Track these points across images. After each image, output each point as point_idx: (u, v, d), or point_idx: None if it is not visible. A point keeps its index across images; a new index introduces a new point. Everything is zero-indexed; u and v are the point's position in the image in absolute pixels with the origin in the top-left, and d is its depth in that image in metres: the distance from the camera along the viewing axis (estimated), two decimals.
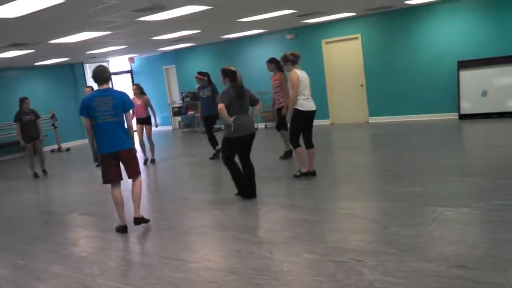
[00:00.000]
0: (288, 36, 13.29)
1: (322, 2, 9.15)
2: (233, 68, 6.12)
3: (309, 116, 6.91)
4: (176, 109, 16.07)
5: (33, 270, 4.65)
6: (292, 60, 6.87)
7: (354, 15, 11.84)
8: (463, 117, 10.77)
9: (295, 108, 6.77)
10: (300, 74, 6.81)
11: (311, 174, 7.03)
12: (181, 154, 11.73)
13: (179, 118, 16.32)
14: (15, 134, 13.03)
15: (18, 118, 9.93)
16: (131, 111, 5.50)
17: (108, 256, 4.81)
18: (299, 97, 6.73)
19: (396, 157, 7.84)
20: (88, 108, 5.24)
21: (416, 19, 11.31)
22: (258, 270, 3.94)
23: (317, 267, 3.86)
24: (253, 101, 6.22)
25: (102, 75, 5.31)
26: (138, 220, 5.48)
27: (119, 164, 5.42)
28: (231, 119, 5.87)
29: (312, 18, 11.38)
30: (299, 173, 7.04)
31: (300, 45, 13.07)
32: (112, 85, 15.11)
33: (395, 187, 5.99)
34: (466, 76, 10.71)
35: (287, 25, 12.33)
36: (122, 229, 5.47)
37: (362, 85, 12.33)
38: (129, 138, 5.42)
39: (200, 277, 3.96)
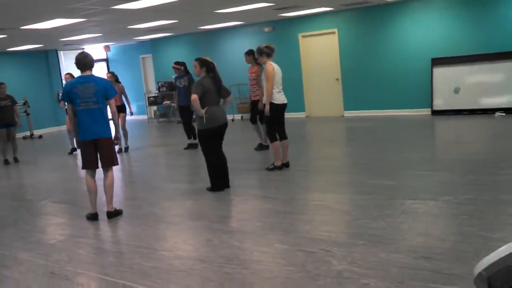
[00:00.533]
0: (266, 29, 13.29)
1: None
2: (209, 59, 6.11)
3: (282, 109, 6.98)
4: (152, 98, 15.94)
5: (1, 257, 4.57)
6: (267, 52, 6.90)
7: (331, 10, 11.89)
8: (435, 113, 10.95)
9: (270, 102, 6.78)
10: (275, 66, 6.83)
11: (285, 165, 7.07)
12: (155, 143, 11.65)
13: (154, 108, 16.20)
14: None
15: None
16: (113, 98, 5.43)
17: (77, 243, 4.76)
18: (273, 90, 6.75)
19: (369, 150, 7.93)
20: (69, 94, 5.19)
21: (392, 15, 11.43)
22: (228, 259, 3.95)
23: (287, 257, 3.89)
24: (225, 93, 6.19)
25: (84, 61, 5.25)
26: (111, 214, 5.45)
27: (96, 152, 5.36)
28: (203, 110, 5.85)
29: (290, 11, 11.39)
30: (272, 166, 7.07)
31: (277, 38, 13.09)
32: None
33: (367, 179, 6.07)
34: (440, 73, 10.88)
35: (264, 17, 12.32)
36: (93, 217, 5.43)
37: (337, 79, 12.42)
38: (109, 127, 5.36)
39: (170, 266, 3.95)
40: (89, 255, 4.47)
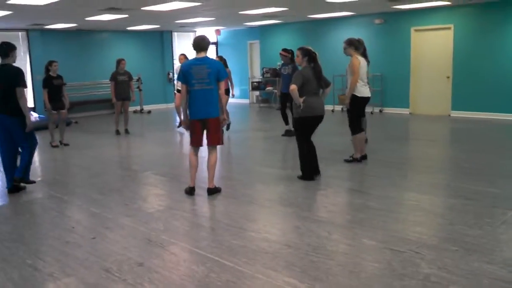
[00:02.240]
0: (376, 21, 12.95)
1: None
2: (311, 49, 6.12)
3: (364, 102, 7.00)
4: (255, 83, 16.24)
5: (104, 219, 4.97)
6: (355, 45, 6.94)
7: (448, 4, 11.31)
8: None
9: (353, 94, 6.79)
10: (361, 60, 6.86)
11: (363, 158, 7.09)
12: (255, 128, 11.90)
13: (257, 93, 16.49)
14: (105, 92, 13.92)
15: (113, 77, 10.54)
16: (224, 80, 5.64)
17: (173, 215, 5.04)
18: (357, 84, 6.78)
19: (473, 154, 7.52)
20: (185, 74, 5.45)
21: None
22: (314, 248, 3.99)
23: (374, 253, 3.85)
24: (325, 84, 6.18)
25: (201, 44, 5.49)
26: (212, 191, 5.69)
27: (203, 131, 5.61)
28: (301, 100, 5.89)
29: (403, 4, 11.01)
30: (351, 158, 7.08)
31: (388, 31, 12.75)
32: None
33: (468, 184, 5.77)
34: None
35: (376, 9, 12.01)
36: (191, 191, 5.71)
37: (448, 77, 11.83)
38: (217, 107, 5.58)
39: (257, 247, 4.07)
40: (183, 227, 4.72)
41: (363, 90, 6.87)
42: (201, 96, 5.46)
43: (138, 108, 15.33)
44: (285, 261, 3.74)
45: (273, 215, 5.02)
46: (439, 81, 12.00)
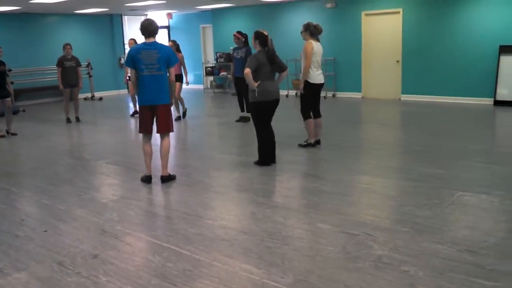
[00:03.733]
0: (328, 5, 13.05)
1: None
2: (265, 32, 6.10)
3: (318, 88, 7.04)
4: (209, 68, 16.11)
5: (56, 211, 4.84)
6: (311, 31, 6.89)
7: None
8: (498, 103, 10.51)
9: (305, 80, 6.83)
10: (315, 45, 6.85)
11: (316, 142, 7.20)
12: (209, 113, 11.83)
13: (211, 78, 16.37)
14: (53, 78, 13.46)
15: (60, 63, 10.18)
16: (174, 66, 5.55)
17: (128, 204, 4.97)
18: (310, 70, 6.82)
19: (423, 137, 7.74)
20: (133, 59, 5.33)
21: None
22: (270, 233, 4.03)
23: (329, 237, 3.92)
24: (281, 68, 6.19)
25: (149, 28, 5.37)
26: (165, 179, 5.63)
27: (153, 117, 5.52)
28: (256, 84, 5.88)
29: None
30: (305, 143, 7.18)
31: (339, 15, 12.88)
32: None
33: (418, 166, 5.95)
34: (507, 61, 10.39)
35: None
36: (147, 179, 5.64)
37: (397, 61, 12.10)
38: (167, 93, 5.50)
39: (214, 234, 4.07)
40: (138, 216, 4.66)
41: (316, 77, 6.92)
42: (151, 82, 5.37)
43: (89, 95, 14.94)
44: (241, 248, 3.76)
45: (229, 201, 5.03)
46: (389, 65, 12.27)
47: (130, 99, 10.84)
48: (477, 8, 10.77)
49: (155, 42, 5.43)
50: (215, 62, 15.86)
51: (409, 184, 5.29)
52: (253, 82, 5.87)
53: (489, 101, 10.73)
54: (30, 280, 3.38)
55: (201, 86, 16.82)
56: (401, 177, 5.65)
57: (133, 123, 10.33)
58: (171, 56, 5.48)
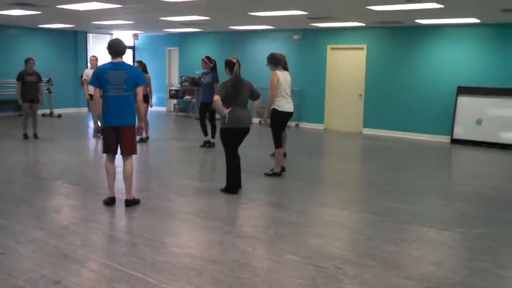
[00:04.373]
0: (295, 37, 13.31)
1: (335, 9, 9.16)
2: (234, 60, 6.11)
3: (286, 116, 7.13)
4: (173, 91, 16.01)
5: (13, 232, 4.62)
6: (273, 62, 7.07)
7: (362, 25, 11.88)
8: (455, 141, 10.88)
9: (273, 108, 6.93)
10: (281, 75, 6.98)
11: (281, 169, 7.23)
12: (172, 137, 11.71)
13: (174, 101, 16.26)
14: (12, 92, 13.06)
15: (20, 77, 9.89)
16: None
17: (90, 228, 4.80)
18: (278, 98, 6.92)
19: (385, 171, 7.90)
20: (100, 79, 5.22)
21: (423, 38, 11.39)
22: (240, 264, 3.96)
23: (298, 269, 3.90)
24: (254, 95, 6.22)
25: (117, 48, 5.30)
26: (129, 202, 5.50)
27: (117, 138, 5.40)
28: (227, 110, 5.87)
29: (321, 22, 11.40)
30: (271, 172, 7.19)
31: (306, 47, 13.13)
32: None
33: (382, 201, 6.04)
34: (464, 102, 10.83)
35: (295, 25, 12.34)
36: (110, 201, 5.49)
37: (360, 95, 12.39)
38: (134, 115, 5.41)
39: (181, 263, 3.97)
40: (102, 241, 4.51)
41: (285, 105, 7.00)
42: (116, 103, 5.27)
43: (47, 111, 14.52)
44: (211, 278, 3.68)
45: (195, 229, 4.94)
46: (352, 98, 12.55)
47: (90, 117, 10.58)
48: (438, 50, 11.22)
49: (123, 62, 5.36)
50: (179, 85, 15.79)
51: (374, 218, 5.35)
52: (223, 109, 5.86)
53: (446, 138, 11.10)
54: None
55: (164, 109, 16.67)
56: (365, 210, 5.71)
57: (93, 142, 10.08)
58: (139, 76, 5.42)
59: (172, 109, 16.45)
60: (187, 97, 15.41)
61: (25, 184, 6.70)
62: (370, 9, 8.89)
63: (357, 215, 5.53)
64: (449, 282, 3.70)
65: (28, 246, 4.29)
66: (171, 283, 3.58)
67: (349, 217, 5.44)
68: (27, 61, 10.05)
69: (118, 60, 5.34)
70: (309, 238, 4.68)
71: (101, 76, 5.24)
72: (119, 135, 5.37)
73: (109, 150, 5.43)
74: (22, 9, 10.09)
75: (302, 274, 3.79)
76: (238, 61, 6.07)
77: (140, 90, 5.43)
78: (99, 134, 9.81)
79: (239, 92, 5.98)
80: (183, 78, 15.51)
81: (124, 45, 5.43)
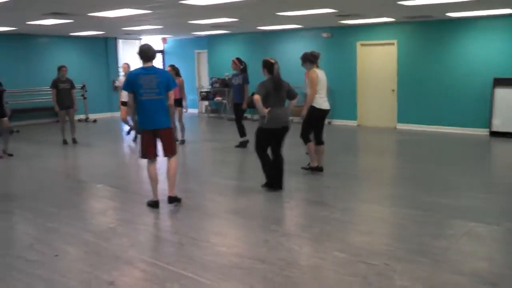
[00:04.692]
0: (324, 35, 13.23)
1: (365, 5, 9.08)
2: (272, 60, 6.14)
3: (323, 114, 7.13)
4: (204, 93, 16.11)
5: (64, 235, 4.73)
6: (310, 59, 7.02)
7: (392, 21, 11.74)
8: (494, 134, 10.65)
9: (311, 105, 6.91)
10: (319, 73, 6.96)
11: (318, 169, 7.19)
12: (206, 138, 11.79)
13: (206, 103, 16.37)
14: (47, 99, 13.36)
15: (54, 84, 10.11)
16: (173, 90, 5.54)
17: (137, 230, 4.88)
18: (316, 96, 6.90)
19: (422, 166, 7.78)
20: (133, 84, 5.30)
21: (455, 31, 11.18)
22: (288, 262, 3.97)
23: (348, 266, 3.88)
24: (291, 95, 6.24)
25: (148, 53, 5.38)
26: (172, 199, 5.57)
27: (156, 141, 5.47)
28: (266, 110, 5.90)
29: (351, 19, 11.31)
30: (308, 166, 7.19)
31: (335, 44, 13.05)
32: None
33: (423, 196, 5.95)
34: (501, 93, 10.57)
35: (324, 23, 12.26)
36: (154, 204, 5.56)
37: (393, 91, 12.25)
38: (169, 117, 5.48)
39: (230, 262, 4.00)
40: (150, 242, 4.58)
41: (323, 103, 6.98)
42: (150, 106, 5.34)
43: (83, 116, 14.80)
44: (261, 277, 3.70)
45: (239, 228, 4.96)
46: (385, 94, 12.41)
47: (123, 122, 10.74)
48: (471, 42, 11.00)
49: (154, 67, 5.44)
50: (210, 87, 15.89)
51: (417, 213, 5.27)
52: (263, 108, 5.88)
53: (484, 131, 10.87)
54: None
55: (196, 111, 16.81)
56: (408, 206, 5.62)
57: (128, 146, 10.23)
58: (170, 80, 5.50)
59: (203, 110, 16.57)
60: (218, 98, 15.49)
61: (69, 187, 6.84)
62: (401, 4, 8.77)
63: (401, 211, 5.46)
64: (503, 277, 3.63)
65: (80, 248, 4.39)
66: (223, 283, 3.61)
67: (393, 213, 5.39)
68: (60, 68, 10.27)
69: (149, 64, 5.42)
70: (355, 235, 4.65)
71: (133, 81, 5.32)
72: (158, 138, 5.45)
73: (147, 154, 5.49)
74: (56, 18, 10.29)
75: (352, 272, 3.77)
76: (276, 62, 6.09)
77: (171, 94, 5.50)
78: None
79: (279, 92, 6.00)
80: (213, 79, 15.60)
81: (154, 50, 5.51)
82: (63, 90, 10.15)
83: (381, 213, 5.37)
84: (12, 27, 12.04)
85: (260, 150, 6.19)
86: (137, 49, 5.51)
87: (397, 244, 4.40)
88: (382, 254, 4.11)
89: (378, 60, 12.50)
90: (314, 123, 7.10)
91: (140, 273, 3.83)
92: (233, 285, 3.57)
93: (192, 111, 16.79)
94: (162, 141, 5.49)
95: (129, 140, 10.65)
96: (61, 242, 4.53)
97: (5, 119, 8.81)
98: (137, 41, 17.06)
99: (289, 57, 13.32)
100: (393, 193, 6.34)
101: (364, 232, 4.74)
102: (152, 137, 5.44)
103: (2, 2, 7.73)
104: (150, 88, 5.30)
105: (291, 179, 6.74)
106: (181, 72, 10.30)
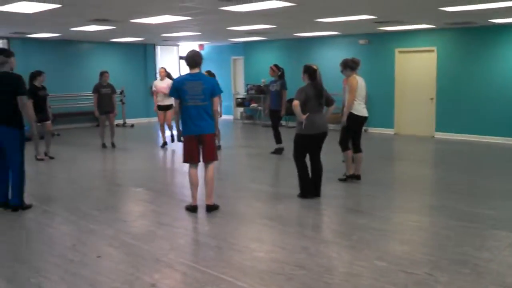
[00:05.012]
0: (361, 41, 13.15)
1: (405, 12, 8.99)
2: (314, 66, 6.15)
3: (362, 121, 7.08)
4: (239, 100, 16.22)
5: (105, 237, 4.84)
6: (351, 66, 6.98)
7: (432, 27, 11.57)
8: None
9: (350, 112, 6.88)
10: (359, 80, 6.96)
11: (356, 177, 7.12)
12: (241, 144, 11.85)
13: (241, 109, 16.47)
14: (87, 104, 13.72)
15: (96, 89, 10.36)
16: (217, 96, 5.60)
17: (176, 233, 4.94)
18: (355, 102, 6.87)
19: (462, 176, 7.62)
20: (179, 90, 5.39)
21: (498, 38, 10.94)
22: (327, 269, 3.95)
23: (388, 275, 3.83)
24: (329, 102, 6.23)
25: (195, 59, 5.46)
26: (210, 208, 5.62)
27: (199, 147, 5.54)
28: (304, 116, 5.89)
29: (390, 26, 11.21)
30: (344, 177, 7.16)
31: (372, 51, 12.95)
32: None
33: (463, 206, 5.83)
34: None
35: (361, 30, 12.19)
36: (193, 209, 5.62)
37: (432, 99, 12.06)
38: (213, 123, 5.54)
39: (269, 268, 4.01)
40: (189, 246, 4.64)
41: (361, 109, 6.95)
42: (195, 112, 5.41)
43: (121, 121, 15.11)
44: (300, 283, 3.69)
45: (277, 234, 4.96)
46: (423, 102, 12.22)
47: (159, 127, 10.90)
48: None
49: (200, 73, 5.51)
50: (245, 93, 15.98)
51: (458, 223, 5.17)
52: (301, 114, 5.88)
53: None
54: None
55: (231, 117, 16.92)
56: (448, 215, 5.51)
57: (164, 152, 10.37)
58: (215, 87, 5.55)
59: (239, 117, 16.67)
60: (253, 104, 15.55)
61: (109, 190, 6.99)
62: (442, 10, 8.66)
63: (441, 220, 5.36)
64: None
65: (121, 249, 4.48)
66: None
67: (432, 223, 5.30)
68: (102, 74, 10.53)
69: (195, 71, 5.49)
70: (395, 244, 4.60)
71: (179, 87, 5.41)
72: (200, 143, 5.51)
73: (190, 159, 5.57)
74: (98, 24, 10.57)
75: (393, 280, 3.73)
76: (318, 68, 6.10)
77: (216, 100, 5.56)
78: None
79: (319, 98, 6.01)
80: (248, 86, 15.68)
81: (201, 56, 5.58)
82: (105, 95, 10.39)
83: (421, 223, 5.28)
84: (56, 33, 12.43)
85: (298, 157, 6.18)
86: (184, 56, 5.59)
87: (438, 254, 4.32)
88: (423, 264, 4.05)
89: (417, 68, 12.34)
90: (352, 130, 7.07)
91: (180, 276, 3.88)
92: None
93: (227, 117, 16.91)
94: (204, 147, 5.54)
95: (168, 147, 10.76)
96: (103, 244, 4.63)
97: (48, 122, 9.09)
98: (174, 47, 17.34)
99: (325, 64, 13.23)
100: (433, 202, 6.23)
101: (404, 241, 4.67)
102: (195, 143, 5.51)
103: (50, 9, 8.00)
104: (196, 94, 5.38)
105: (328, 187, 6.70)
106: (217, 78, 10.39)
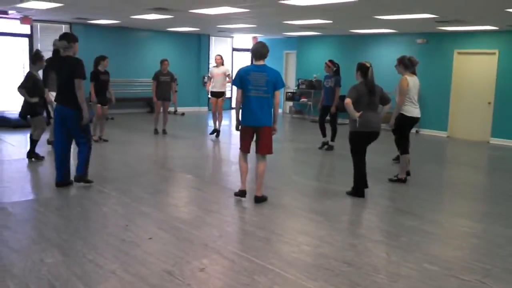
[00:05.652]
0: (418, 41, 12.85)
1: (468, 11, 8.72)
2: (368, 64, 6.06)
3: (411, 122, 6.94)
4: (289, 94, 16.21)
5: (156, 220, 4.96)
6: (405, 64, 6.80)
7: (494, 29, 11.17)
8: None
9: (400, 113, 6.76)
10: (410, 80, 6.79)
11: (407, 174, 7.03)
12: (289, 138, 11.84)
13: (290, 103, 16.45)
14: (143, 90, 14.04)
15: (156, 77, 10.61)
16: (279, 90, 5.62)
17: (225, 221, 5.01)
18: (406, 103, 6.75)
19: None
20: (242, 80, 5.45)
21: None
22: (375, 268, 3.92)
23: (439, 280, 3.76)
24: (384, 100, 6.14)
25: (261, 51, 5.52)
26: (259, 199, 5.67)
27: (253, 137, 5.60)
28: (358, 114, 5.83)
29: (450, 25, 10.90)
30: (396, 178, 7.00)
31: (430, 51, 12.64)
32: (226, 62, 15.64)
33: None
34: None
35: (420, 28, 11.91)
36: (242, 193, 5.71)
37: (489, 103, 11.66)
38: (271, 116, 5.57)
39: (316, 262, 4.01)
40: (237, 234, 4.70)
41: (413, 110, 6.81)
42: (256, 103, 5.45)
43: (172, 109, 15.36)
44: (348, 280, 3.68)
45: (325, 229, 4.94)
46: (480, 106, 11.84)
47: (210, 116, 11.03)
48: None
49: (265, 65, 5.53)
50: (296, 88, 15.94)
51: None
52: (354, 112, 5.83)
53: None
54: (142, 286, 3.45)
55: (280, 111, 16.95)
56: (502, 223, 5.35)
57: (214, 140, 10.49)
58: (278, 80, 5.57)
59: (288, 111, 16.66)
60: (304, 99, 15.50)
61: (160, 175, 7.15)
62: (508, 12, 8.34)
63: (495, 228, 5.20)
64: None
65: (171, 233, 4.58)
66: (310, 281, 3.62)
67: (486, 230, 5.14)
68: (162, 62, 10.77)
69: (260, 62, 5.54)
70: (446, 248, 4.50)
71: (243, 77, 5.46)
72: (257, 135, 5.56)
73: (244, 148, 5.63)
74: (158, 13, 10.77)
75: (443, 285, 3.66)
76: (371, 65, 6.01)
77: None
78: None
79: (372, 96, 5.93)
80: (300, 81, 15.63)
81: (267, 48, 5.60)
82: (164, 82, 10.63)
83: (473, 229, 5.14)
84: (117, 20, 12.76)
85: (356, 154, 6.12)
86: (250, 47, 5.65)
87: (491, 262, 4.20)
88: (475, 271, 3.95)
89: (476, 70, 11.96)
90: (402, 130, 6.92)
91: (229, 263, 3.94)
92: (320, 284, 3.58)
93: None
94: (260, 139, 5.58)
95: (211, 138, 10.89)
96: (154, 227, 4.75)
97: (106, 106, 9.38)
98: (228, 39, 17.47)
99: (380, 62, 13.05)
100: (486, 209, 6.04)
101: (455, 247, 4.57)
102: (251, 133, 5.58)
103: None
104: (259, 85, 5.43)
105: (376, 186, 6.62)
106: None
